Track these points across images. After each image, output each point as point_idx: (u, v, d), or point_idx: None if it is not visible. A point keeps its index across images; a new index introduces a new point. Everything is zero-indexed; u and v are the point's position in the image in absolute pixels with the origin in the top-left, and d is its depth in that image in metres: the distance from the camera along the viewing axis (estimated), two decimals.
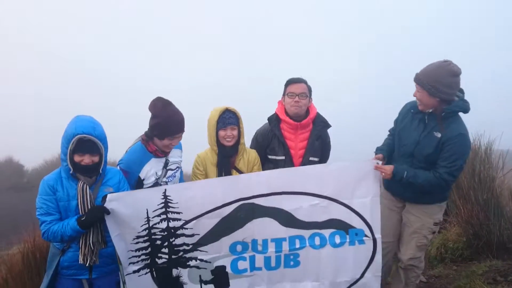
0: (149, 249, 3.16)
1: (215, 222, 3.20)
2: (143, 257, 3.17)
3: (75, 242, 3.04)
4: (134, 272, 3.18)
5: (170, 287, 3.27)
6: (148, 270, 3.20)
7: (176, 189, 3.18)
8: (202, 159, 3.69)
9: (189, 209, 3.15)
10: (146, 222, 3.11)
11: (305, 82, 3.85)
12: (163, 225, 3.14)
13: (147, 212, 3.09)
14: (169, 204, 3.12)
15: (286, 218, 3.26)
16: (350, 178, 3.30)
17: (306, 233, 3.31)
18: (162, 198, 3.10)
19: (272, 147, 3.85)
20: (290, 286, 3.40)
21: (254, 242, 3.28)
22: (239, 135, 3.66)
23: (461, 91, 3.42)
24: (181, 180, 3.84)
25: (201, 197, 3.17)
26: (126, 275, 3.17)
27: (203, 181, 3.46)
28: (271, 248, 3.29)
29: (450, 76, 3.26)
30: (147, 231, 3.12)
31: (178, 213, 3.15)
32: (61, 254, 3.10)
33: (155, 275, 3.22)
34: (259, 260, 3.31)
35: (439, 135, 3.36)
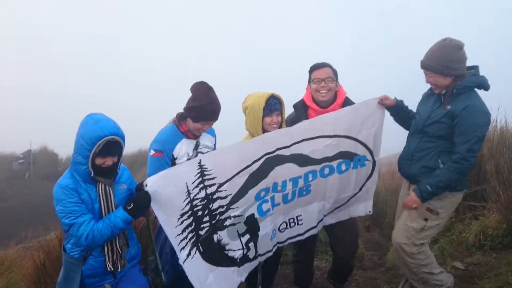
0: (193, 224, 3.11)
1: (245, 179, 3.25)
2: (190, 235, 3.10)
3: (97, 248, 2.93)
4: (187, 256, 3.11)
5: (215, 255, 3.25)
6: (196, 248, 3.15)
7: (209, 156, 3.17)
8: None
9: (222, 173, 3.16)
10: (187, 196, 3.05)
11: (329, 66, 3.74)
12: (202, 194, 3.11)
13: (187, 186, 3.04)
14: (205, 172, 3.08)
15: (303, 160, 3.44)
16: (359, 115, 3.56)
17: (318, 167, 3.57)
18: (198, 169, 3.06)
19: None
20: (300, 210, 3.70)
21: (275, 184, 3.41)
22: (281, 120, 3.63)
23: (475, 67, 3.36)
24: None
25: (233, 160, 3.18)
26: (183, 263, 3.09)
27: (233, 145, 3.37)
28: (289, 186, 3.49)
29: (456, 51, 3.25)
30: (189, 205, 3.07)
31: (213, 178, 3.12)
32: (82, 263, 2.94)
33: (201, 250, 3.17)
34: (278, 197, 3.48)
35: (448, 107, 3.29)
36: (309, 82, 3.80)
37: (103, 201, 2.89)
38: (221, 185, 3.17)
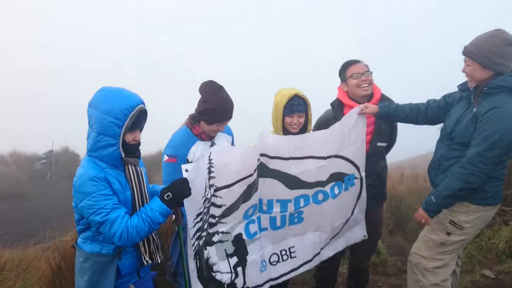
0: (200, 230, 2.81)
1: (243, 190, 2.84)
2: (195, 243, 2.82)
3: None
4: (193, 270, 2.88)
5: (204, 274, 2.90)
6: (195, 261, 2.88)
7: (218, 151, 2.80)
8: None
9: (221, 174, 2.74)
10: (204, 193, 2.72)
11: (361, 62, 3.65)
12: (209, 194, 2.72)
13: (206, 181, 2.70)
14: (211, 169, 2.69)
15: (292, 182, 3.15)
16: (346, 131, 3.32)
17: (310, 191, 3.28)
18: (208, 163, 2.71)
19: None
20: (294, 240, 3.37)
21: (260, 201, 3.08)
22: (306, 121, 3.47)
23: None
24: None
25: (236, 165, 2.78)
26: (192, 271, 2.90)
27: (242, 148, 2.95)
28: (276, 208, 3.18)
29: (504, 45, 2.87)
30: (203, 204, 2.73)
31: (213, 178, 2.71)
32: (118, 259, 2.58)
33: (198, 266, 2.89)
34: (265, 220, 3.18)
35: (474, 110, 2.95)
36: (343, 80, 3.69)
37: (136, 186, 2.56)
38: (218, 189, 2.75)
